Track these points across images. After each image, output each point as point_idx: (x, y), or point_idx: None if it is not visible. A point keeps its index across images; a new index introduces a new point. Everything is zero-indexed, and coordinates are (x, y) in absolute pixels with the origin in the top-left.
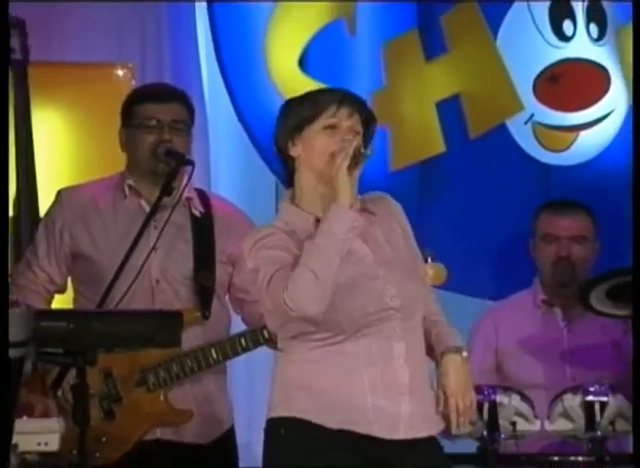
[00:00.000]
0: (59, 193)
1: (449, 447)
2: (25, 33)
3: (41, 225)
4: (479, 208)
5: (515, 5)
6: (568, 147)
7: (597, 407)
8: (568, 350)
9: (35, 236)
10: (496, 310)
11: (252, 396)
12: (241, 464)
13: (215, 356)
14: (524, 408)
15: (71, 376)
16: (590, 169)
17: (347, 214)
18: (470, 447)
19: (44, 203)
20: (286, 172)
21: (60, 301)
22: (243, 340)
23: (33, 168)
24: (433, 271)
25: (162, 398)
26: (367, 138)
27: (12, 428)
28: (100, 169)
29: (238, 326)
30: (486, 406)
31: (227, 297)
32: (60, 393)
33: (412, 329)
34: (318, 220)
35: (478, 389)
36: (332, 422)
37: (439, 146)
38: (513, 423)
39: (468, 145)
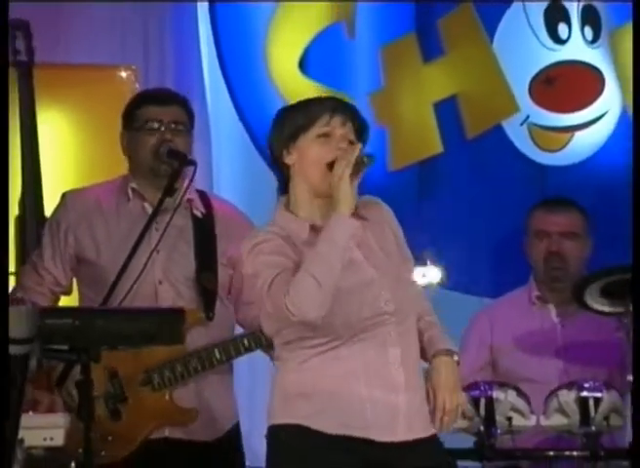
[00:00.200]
0: (63, 196)
1: (446, 442)
2: (30, 35)
3: (46, 228)
4: (476, 207)
5: (511, 8)
6: (563, 148)
7: (592, 402)
8: (562, 346)
9: (41, 238)
10: (491, 308)
11: (254, 397)
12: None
13: (218, 356)
14: (520, 403)
15: (76, 373)
16: (585, 169)
17: (348, 223)
18: (467, 441)
19: (49, 202)
20: (281, 179)
21: (67, 303)
22: (246, 341)
23: (38, 167)
24: (431, 273)
25: (167, 397)
26: (361, 139)
27: (18, 423)
28: (105, 168)
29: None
30: (482, 401)
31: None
32: (64, 390)
33: (406, 332)
34: (313, 227)
35: (475, 385)
36: (330, 428)
37: (437, 147)
38: (509, 418)
39: (465, 146)
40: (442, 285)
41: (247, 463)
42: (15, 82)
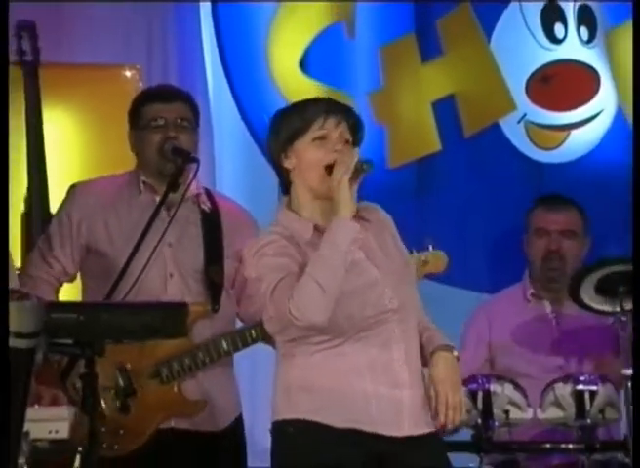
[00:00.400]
0: (72, 187)
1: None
2: (36, 35)
3: (55, 218)
4: (474, 204)
5: (508, 8)
6: (559, 145)
7: (587, 395)
8: (557, 342)
9: (48, 228)
10: (488, 304)
11: (254, 391)
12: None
13: (226, 347)
14: (517, 396)
15: (82, 367)
16: (581, 166)
17: (350, 227)
18: (465, 434)
19: (54, 199)
20: (282, 180)
21: (68, 292)
22: (253, 332)
23: (44, 165)
24: (434, 258)
25: (175, 390)
26: (356, 143)
27: (24, 416)
28: (109, 166)
29: None
30: (480, 395)
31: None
32: (69, 383)
33: (409, 331)
34: (317, 228)
35: (473, 379)
36: (338, 422)
37: (435, 145)
38: (506, 412)
39: (463, 144)
40: (440, 280)
41: (249, 464)
42: (21, 81)
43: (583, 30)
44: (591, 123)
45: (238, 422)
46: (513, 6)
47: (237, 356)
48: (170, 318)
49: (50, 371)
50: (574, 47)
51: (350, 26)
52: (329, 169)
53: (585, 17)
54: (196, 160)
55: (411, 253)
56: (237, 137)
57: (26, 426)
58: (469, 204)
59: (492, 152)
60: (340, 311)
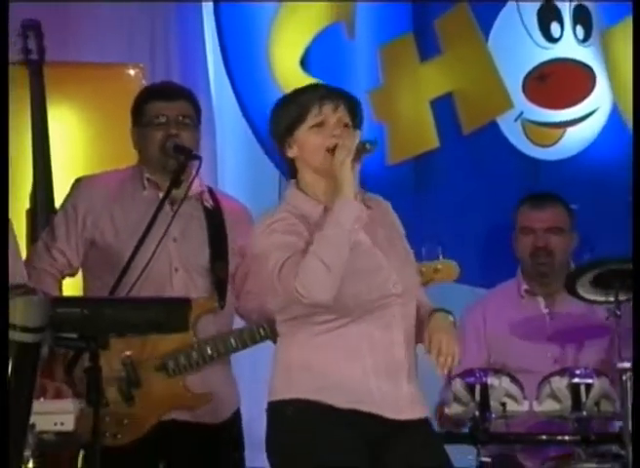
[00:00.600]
0: (77, 181)
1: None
2: (42, 34)
3: (60, 211)
4: (471, 200)
5: (505, 8)
6: (555, 143)
7: (583, 388)
8: (552, 337)
9: (53, 220)
10: (484, 299)
11: (255, 388)
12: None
13: (234, 344)
14: (513, 389)
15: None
16: (576, 163)
17: (353, 206)
18: (463, 426)
19: (59, 195)
20: (289, 169)
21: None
22: (261, 330)
23: (49, 162)
24: (446, 267)
25: (181, 383)
26: (357, 125)
27: (30, 409)
28: (113, 162)
29: None
30: (477, 387)
31: None
32: (76, 376)
33: (409, 315)
34: (326, 209)
35: (470, 372)
36: (341, 402)
37: (433, 142)
38: (503, 404)
39: (461, 141)
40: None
41: (246, 464)
42: (26, 80)
43: (579, 29)
44: (587, 120)
45: (236, 415)
46: (510, 5)
47: (238, 354)
48: (173, 313)
49: (54, 365)
50: (570, 46)
51: (350, 26)
52: (332, 151)
53: (581, 16)
54: (198, 157)
55: (421, 261)
56: (239, 135)
57: (32, 419)
58: (467, 200)
59: (489, 149)
60: (346, 290)
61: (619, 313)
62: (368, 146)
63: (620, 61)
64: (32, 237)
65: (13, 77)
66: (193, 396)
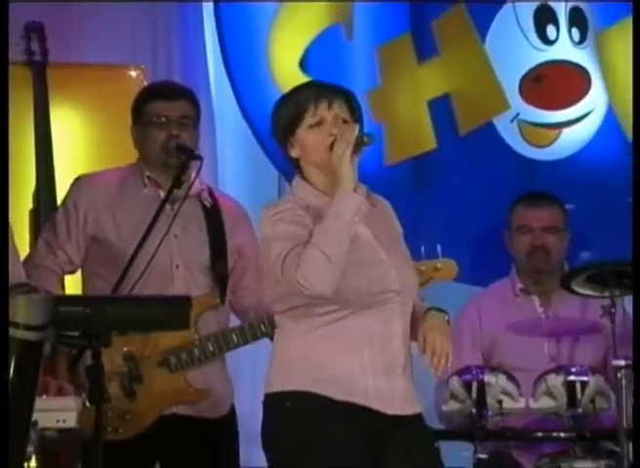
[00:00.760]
0: (77, 179)
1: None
2: (45, 36)
3: (61, 208)
4: (468, 200)
5: (502, 10)
6: (551, 143)
7: (578, 386)
8: (547, 335)
9: (54, 218)
10: (478, 298)
11: (255, 386)
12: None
13: (235, 340)
14: (510, 387)
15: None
16: (572, 163)
17: (353, 198)
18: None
19: (61, 196)
20: (293, 168)
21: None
22: (262, 326)
23: (52, 162)
24: (445, 266)
25: (182, 379)
26: (355, 119)
27: (32, 406)
28: (115, 162)
29: None
30: (474, 385)
31: None
32: (79, 373)
33: (407, 313)
34: None
35: (467, 370)
36: (338, 394)
37: (431, 142)
38: (500, 401)
39: (458, 142)
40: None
41: (248, 461)
42: (29, 81)
43: (575, 32)
44: (582, 121)
45: (232, 410)
46: (507, 7)
47: (239, 351)
48: (174, 311)
49: (57, 363)
50: (565, 48)
51: (348, 28)
52: (332, 147)
53: (577, 18)
54: (199, 157)
55: (420, 260)
56: (239, 135)
57: (35, 416)
58: (464, 200)
59: (486, 150)
60: (347, 282)
61: (613, 311)
62: (366, 139)
63: (615, 63)
64: (35, 236)
65: (16, 78)
66: (195, 391)
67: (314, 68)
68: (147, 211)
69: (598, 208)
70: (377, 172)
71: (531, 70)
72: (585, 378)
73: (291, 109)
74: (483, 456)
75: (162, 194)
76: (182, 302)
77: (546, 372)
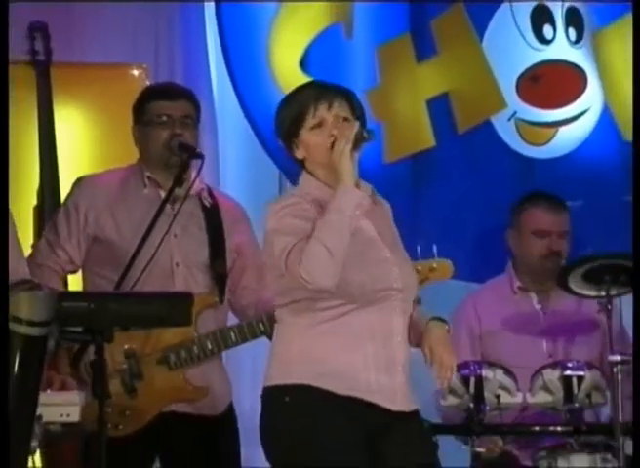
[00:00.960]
0: (78, 180)
1: (437, 417)
2: (48, 36)
3: (62, 208)
4: (467, 197)
5: (500, 10)
6: (548, 142)
7: (575, 380)
8: (545, 332)
9: (55, 218)
10: (475, 295)
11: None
12: None
13: (234, 338)
14: (507, 381)
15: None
16: (568, 161)
17: (353, 193)
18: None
19: (65, 194)
20: (299, 168)
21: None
22: (261, 325)
23: (55, 161)
24: (441, 266)
25: (182, 376)
26: (357, 117)
27: (36, 401)
28: (117, 162)
29: None
30: (472, 380)
31: None
32: (82, 368)
33: (407, 311)
34: None
35: (465, 364)
36: (340, 389)
37: (429, 141)
38: (497, 396)
39: (456, 140)
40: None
41: (248, 459)
42: (33, 81)
43: (571, 31)
44: (579, 120)
45: (231, 408)
46: (504, 7)
47: (238, 348)
48: (176, 307)
49: (60, 358)
50: (562, 47)
51: (348, 27)
52: (332, 147)
53: (573, 18)
54: (201, 155)
55: (417, 259)
56: (240, 134)
57: (39, 410)
58: (462, 197)
59: (484, 148)
60: (351, 278)
61: (610, 307)
62: (366, 134)
63: (611, 62)
64: (39, 233)
65: (20, 78)
66: (194, 389)
67: (314, 68)
68: (148, 211)
69: (595, 205)
70: (376, 169)
71: (528, 69)
72: (582, 373)
73: (292, 111)
74: (480, 450)
75: (162, 194)
76: (184, 299)
77: (543, 367)
